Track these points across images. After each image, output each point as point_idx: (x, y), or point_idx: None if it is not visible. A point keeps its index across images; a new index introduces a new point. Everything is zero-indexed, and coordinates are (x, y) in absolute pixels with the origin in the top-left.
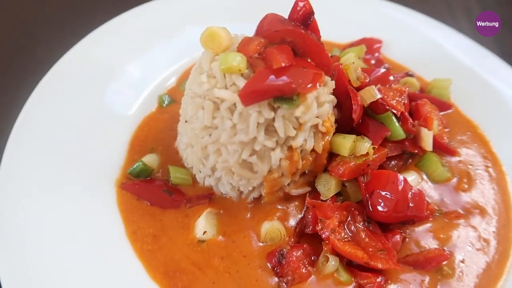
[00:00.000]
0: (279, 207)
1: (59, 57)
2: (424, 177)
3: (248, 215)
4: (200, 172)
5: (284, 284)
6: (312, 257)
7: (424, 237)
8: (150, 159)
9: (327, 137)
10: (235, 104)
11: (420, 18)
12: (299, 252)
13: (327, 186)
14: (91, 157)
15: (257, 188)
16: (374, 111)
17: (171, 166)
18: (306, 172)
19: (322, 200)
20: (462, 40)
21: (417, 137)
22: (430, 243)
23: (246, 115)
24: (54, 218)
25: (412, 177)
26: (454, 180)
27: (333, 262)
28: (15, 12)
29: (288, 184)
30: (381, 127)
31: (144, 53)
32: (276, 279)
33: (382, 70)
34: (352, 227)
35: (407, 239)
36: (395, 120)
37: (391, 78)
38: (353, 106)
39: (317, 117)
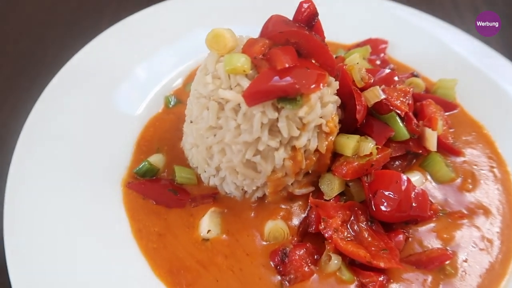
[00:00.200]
0: (283, 206)
1: (68, 59)
2: (428, 177)
3: (252, 214)
4: (205, 172)
5: (286, 282)
6: (315, 256)
7: (427, 237)
8: (156, 159)
9: (330, 137)
10: (239, 104)
11: (426, 18)
12: (302, 251)
13: (331, 186)
14: (98, 156)
15: (261, 187)
16: (378, 111)
17: (176, 166)
18: (310, 172)
19: (325, 200)
20: (468, 40)
21: (421, 137)
22: (433, 243)
23: (250, 116)
24: (61, 215)
25: (416, 177)
26: (459, 180)
27: (336, 261)
28: (26, 17)
29: (291, 184)
30: (385, 128)
31: (151, 54)
32: (279, 277)
33: (387, 70)
34: (355, 227)
35: (410, 239)
36: (399, 120)
37: (396, 78)
38: (357, 107)
39: (321, 117)
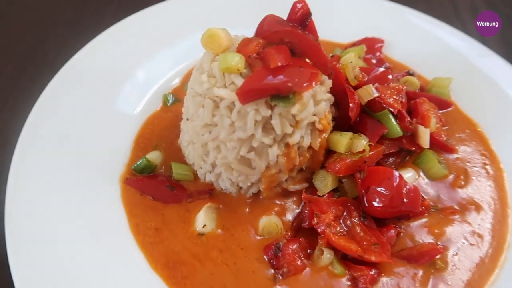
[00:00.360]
0: (277, 202)
1: (69, 59)
2: (422, 174)
3: (247, 210)
4: (201, 168)
5: (279, 275)
6: (308, 251)
7: (419, 232)
8: (154, 156)
9: (324, 134)
10: (233, 102)
11: (422, 17)
12: (295, 245)
13: (324, 182)
14: (98, 153)
15: (256, 183)
16: (371, 109)
17: (173, 162)
18: (304, 168)
19: (318, 196)
20: (464, 39)
21: (414, 134)
22: (424, 238)
23: (244, 113)
24: (61, 210)
25: (409, 174)
26: (451, 177)
27: (328, 255)
28: (27, 17)
29: (286, 180)
30: (378, 125)
31: (150, 54)
32: (272, 270)
33: (381, 69)
34: (348, 222)
35: (402, 234)
36: (392, 118)
37: (390, 77)
38: (350, 105)
39: (314, 115)
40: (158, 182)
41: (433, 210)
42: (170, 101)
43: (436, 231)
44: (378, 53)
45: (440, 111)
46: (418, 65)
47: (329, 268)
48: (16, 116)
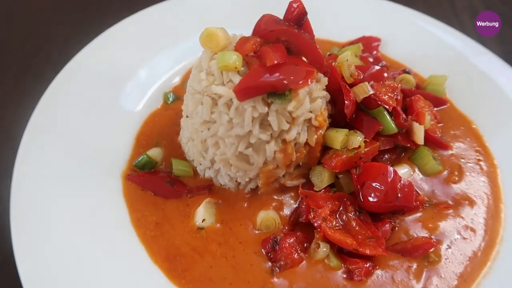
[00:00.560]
0: (275, 197)
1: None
2: (417, 170)
3: (245, 205)
4: (201, 164)
5: (277, 268)
6: (305, 244)
7: (413, 226)
8: (155, 153)
9: (320, 131)
10: (231, 99)
11: (418, 17)
12: (292, 239)
13: (320, 178)
14: (100, 150)
15: (254, 179)
16: (367, 106)
17: (173, 159)
18: (301, 164)
19: (315, 191)
20: (459, 38)
21: (409, 131)
22: (418, 232)
23: (241, 110)
24: (65, 205)
25: (404, 170)
26: (445, 172)
27: (324, 249)
28: (31, 17)
29: (283, 176)
30: (373, 122)
31: (151, 53)
32: (270, 263)
33: (377, 67)
34: (344, 216)
35: (396, 228)
36: (387, 115)
37: (385, 75)
38: (346, 102)
39: (310, 111)
40: (158, 178)
41: (427, 205)
42: (171, 99)
43: (430, 225)
44: (375, 52)
45: (436, 109)
46: (414, 63)
47: (325, 261)
48: (20, 114)
